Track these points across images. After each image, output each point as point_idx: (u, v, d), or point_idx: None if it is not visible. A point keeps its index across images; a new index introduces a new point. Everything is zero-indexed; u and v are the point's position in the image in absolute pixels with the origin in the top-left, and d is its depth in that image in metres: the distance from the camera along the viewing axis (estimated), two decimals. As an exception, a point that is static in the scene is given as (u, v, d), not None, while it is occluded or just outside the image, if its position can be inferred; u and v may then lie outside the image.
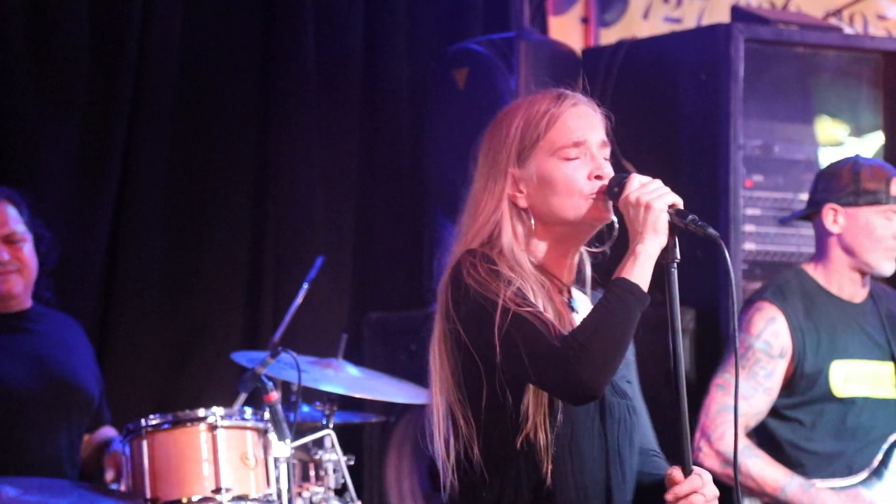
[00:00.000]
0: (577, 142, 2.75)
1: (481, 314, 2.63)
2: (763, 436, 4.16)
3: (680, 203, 2.70)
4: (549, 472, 2.66)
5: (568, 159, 2.74)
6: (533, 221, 2.75)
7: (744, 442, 4.11)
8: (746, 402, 4.14)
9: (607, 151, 2.81)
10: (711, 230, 2.69)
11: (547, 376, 2.59)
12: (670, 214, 2.68)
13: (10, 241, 4.30)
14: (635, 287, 2.63)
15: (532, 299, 2.65)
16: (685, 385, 2.75)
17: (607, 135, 2.84)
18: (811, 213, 4.42)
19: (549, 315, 2.65)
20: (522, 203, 2.75)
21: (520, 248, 2.73)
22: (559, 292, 2.76)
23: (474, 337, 2.65)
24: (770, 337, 4.17)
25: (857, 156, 4.48)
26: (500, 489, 2.69)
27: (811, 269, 4.35)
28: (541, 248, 2.77)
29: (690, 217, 2.70)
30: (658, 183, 2.70)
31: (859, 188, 4.30)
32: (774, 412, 4.22)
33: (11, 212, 4.33)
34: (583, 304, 2.83)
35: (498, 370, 2.63)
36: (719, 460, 4.11)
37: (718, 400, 4.15)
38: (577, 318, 2.75)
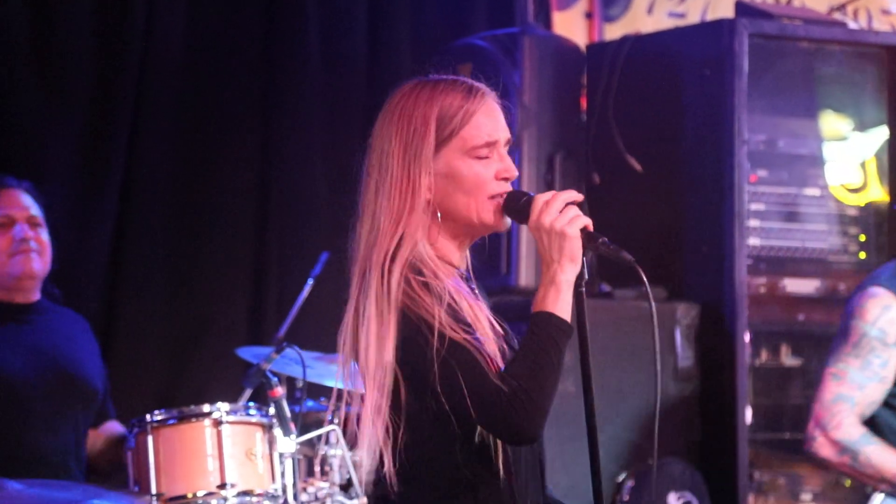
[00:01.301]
0: (490, 142, 2.73)
1: (417, 338, 2.60)
2: (871, 425, 4.12)
3: (590, 224, 2.68)
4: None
5: (479, 158, 2.73)
6: (439, 215, 2.73)
7: (861, 430, 4.07)
8: (861, 391, 4.09)
9: (508, 146, 2.80)
10: (625, 254, 2.66)
11: (489, 421, 2.58)
12: (582, 238, 2.65)
13: (32, 223, 4.33)
14: (562, 322, 2.61)
15: (459, 306, 2.61)
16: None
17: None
18: None
19: (469, 315, 2.62)
20: (428, 195, 2.73)
21: (430, 244, 2.71)
22: (462, 279, 2.74)
23: (410, 360, 2.62)
24: (886, 325, 4.10)
25: None
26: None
27: None
28: (440, 240, 2.75)
29: (602, 240, 2.67)
30: (565, 201, 2.68)
31: None
32: (884, 402, 4.16)
33: (31, 199, 4.36)
34: (478, 287, 2.82)
35: (436, 395, 2.60)
36: (835, 449, 4.07)
37: (832, 389, 4.10)
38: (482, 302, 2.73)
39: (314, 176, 5.69)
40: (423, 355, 2.58)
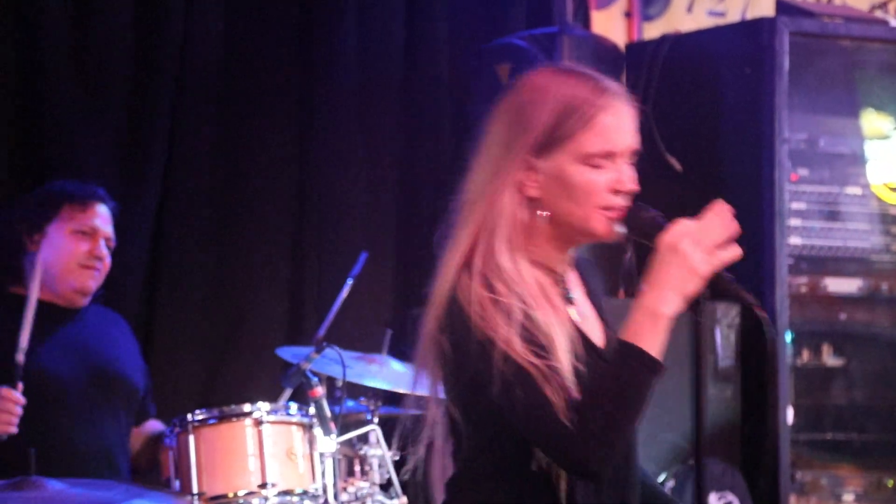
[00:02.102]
0: (609, 151, 2.51)
1: (483, 358, 2.42)
2: None
3: (731, 259, 2.45)
4: (565, 493, 2.49)
5: (594, 167, 2.50)
6: (544, 214, 2.54)
7: None
8: None
9: (634, 157, 2.57)
10: (747, 296, 2.48)
11: (552, 453, 2.42)
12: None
13: (108, 244, 4.37)
14: (654, 363, 2.39)
15: (536, 324, 2.43)
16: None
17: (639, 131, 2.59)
18: None
19: (550, 320, 2.45)
20: (534, 193, 2.53)
21: (518, 247, 2.52)
22: (555, 284, 2.56)
23: (475, 377, 2.46)
24: None
25: None
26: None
27: None
28: (541, 241, 2.55)
29: (729, 277, 2.46)
30: (719, 234, 2.45)
31: None
32: None
33: (112, 219, 4.40)
34: (575, 287, 2.64)
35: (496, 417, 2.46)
36: None
37: None
38: (574, 309, 2.58)
39: (353, 176, 5.70)
40: (486, 378, 2.42)
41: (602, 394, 2.37)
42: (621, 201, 2.52)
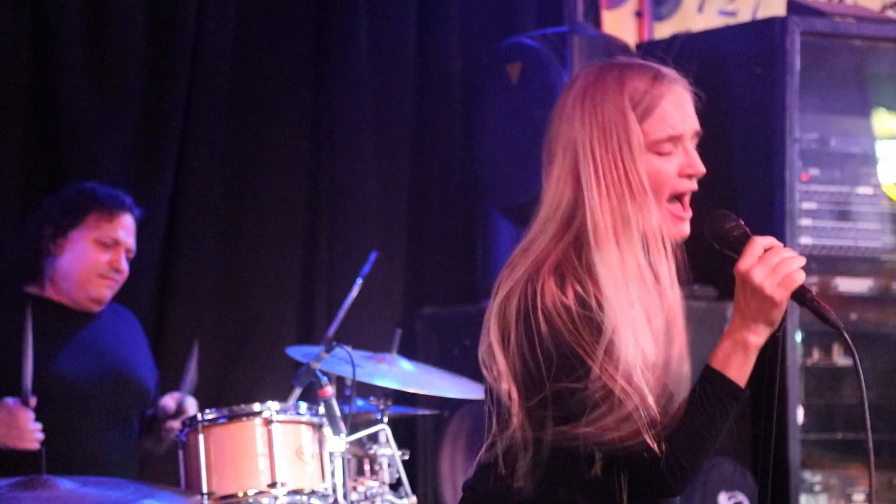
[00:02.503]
0: (674, 135, 2.50)
1: (568, 372, 2.37)
2: None
3: (803, 279, 2.41)
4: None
5: (661, 154, 2.49)
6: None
7: None
8: None
9: (697, 139, 2.57)
10: (832, 316, 2.44)
11: (636, 475, 2.42)
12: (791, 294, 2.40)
13: (129, 255, 4.38)
14: (739, 391, 2.41)
15: (625, 340, 2.36)
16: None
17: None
18: None
19: (654, 324, 2.39)
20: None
21: (614, 255, 2.43)
22: (672, 257, 2.47)
23: (555, 390, 2.40)
24: None
25: None
26: None
27: None
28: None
29: (810, 296, 2.42)
30: (781, 257, 2.40)
31: None
32: None
33: (134, 227, 4.40)
34: None
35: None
36: None
37: None
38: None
39: (364, 175, 5.70)
40: (568, 392, 2.38)
41: (686, 421, 2.39)
42: (693, 185, 2.52)
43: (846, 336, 2.46)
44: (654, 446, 2.37)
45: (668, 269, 2.47)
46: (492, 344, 2.46)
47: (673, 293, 2.46)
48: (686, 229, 2.52)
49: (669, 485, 2.40)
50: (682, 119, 2.53)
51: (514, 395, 2.44)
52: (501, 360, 2.45)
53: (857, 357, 2.49)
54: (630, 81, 2.51)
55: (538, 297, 2.40)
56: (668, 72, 2.57)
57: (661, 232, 2.47)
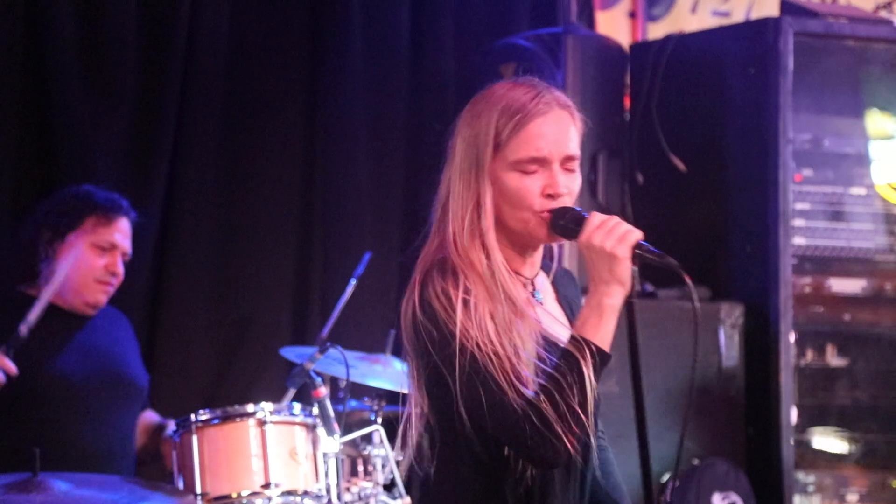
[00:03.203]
0: (537, 157, 2.63)
1: (444, 348, 2.56)
2: None
3: (641, 238, 2.58)
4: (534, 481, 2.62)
5: (525, 173, 2.63)
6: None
7: None
8: None
9: (574, 163, 2.68)
10: (670, 260, 2.56)
11: (505, 439, 2.55)
12: (632, 253, 2.56)
13: (125, 258, 4.38)
14: (599, 351, 2.54)
15: (497, 314, 2.58)
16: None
17: (582, 137, 2.70)
18: None
19: (512, 317, 2.58)
20: (487, 202, 2.68)
21: (488, 250, 2.64)
22: (523, 286, 2.70)
23: (438, 368, 2.58)
24: None
25: None
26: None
27: None
28: (503, 246, 2.68)
29: (647, 249, 2.57)
30: (617, 221, 2.58)
31: None
32: None
33: (130, 231, 4.40)
34: (546, 292, 2.77)
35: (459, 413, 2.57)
36: None
37: None
38: (543, 311, 2.69)
39: (357, 177, 5.70)
40: (449, 369, 2.55)
41: (549, 382, 2.52)
42: (556, 205, 2.64)
43: (686, 278, 2.58)
44: (522, 409, 2.49)
45: (503, 271, 2.63)
46: (405, 339, 2.67)
47: (511, 290, 2.62)
48: (547, 235, 2.66)
49: (540, 444, 2.49)
50: (551, 142, 2.64)
51: (413, 382, 2.66)
52: (407, 352, 2.67)
53: (696, 302, 2.69)
54: (509, 98, 2.66)
55: (422, 289, 2.64)
56: (554, 95, 2.69)
57: (517, 237, 2.67)
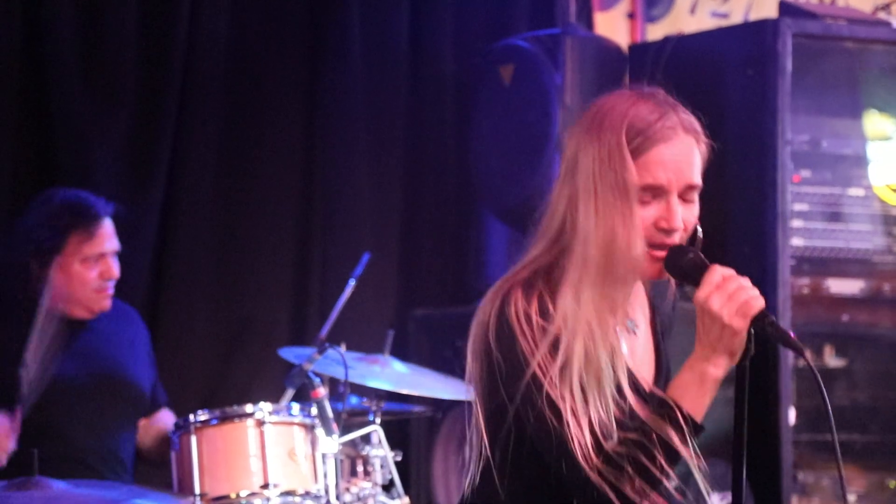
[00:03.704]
0: (654, 186, 2.42)
1: (516, 376, 2.36)
2: None
3: (762, 305, 2.36)
4: None
5: (640, 202, 2.42)
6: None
7: None
8: None
9: (694, 194, 2.49)
10: (792, 339, 2.38)
11: (569, 491, 2.38)
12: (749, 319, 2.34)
13: (115, 254, 4.36)
14: (691, 421, 2.36)
15: (579, 350, 2.35)
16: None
17: (706, 163, 2.49)
18: None
19: (598, 353, 2.36)
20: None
21: (585, 280, 2.40)
22: (616, 317, 2.46)
23: (505, 396, 2.40)
24: None
25: None
26: None
27: None
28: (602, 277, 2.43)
29: (770, 321, 2.36)
30: (738, 285, 2.36)
31: None
32: None
33: (113, 227, 4.38)
34: (640, 314, 2.58)
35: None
36: None
37: None
38: (635, 341, 2.52)
39: (357, 177, 5.71)
40: (513, 397, 2.37)
41: (632, 443, 2.35)
42: (669, 239, 2.45)
43: (808, 361, 2.42)
44: (588, 462, 2.32)
45: (622, 304, 2.45)
46: (467, 351, 2.47)
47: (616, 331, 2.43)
48: (659, 273, 2.47)
49: (594, 493, 2.32)
50: (673, 171, 2.44)
51: (477, 402, 2.47)
52: (471, 367, 2.47)
53: (822, 386, 2.48)
54: (634, 114, 2.44)
55: (503, 305, 2.40)
56: (681, 117, 2.49)
57: (621, 269, 2.43)
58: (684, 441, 2.35)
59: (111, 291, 4.35)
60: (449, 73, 5.96)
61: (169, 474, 4.25)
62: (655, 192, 2.43)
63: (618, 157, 2.40)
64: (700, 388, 2.37)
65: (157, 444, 4.43)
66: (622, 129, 2.41)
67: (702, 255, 2.44)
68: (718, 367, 2.36)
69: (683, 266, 2.44)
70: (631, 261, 2.41)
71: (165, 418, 4.49)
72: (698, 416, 2.37)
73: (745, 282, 2.39)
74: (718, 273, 2.38)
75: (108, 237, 4.33)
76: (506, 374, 2.39)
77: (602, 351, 2.38)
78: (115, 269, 4.34)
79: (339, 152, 5.67)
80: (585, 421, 2.33)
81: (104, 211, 4.34)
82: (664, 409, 2.35)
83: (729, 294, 2.35)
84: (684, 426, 2.34)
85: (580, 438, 2.32)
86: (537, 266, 2.45)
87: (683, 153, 2.45)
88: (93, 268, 4.30)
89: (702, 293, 2.36)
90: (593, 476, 2.31)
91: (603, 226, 2.40)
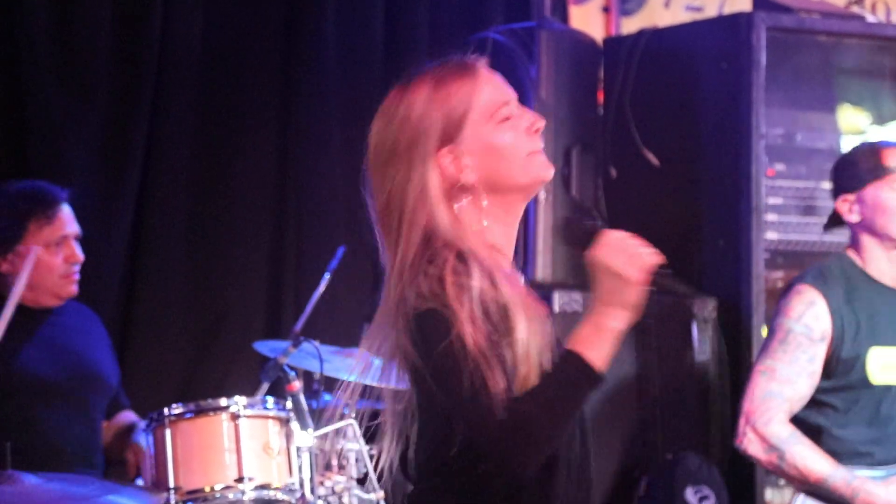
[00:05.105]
0: (506, 101, 2.59)
1: (439, 332, 2.41)
2: (795, 421, 4.11)
3: (656, 260, 2.44)
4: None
5: (504, 119, 2.56)
6: (484, 197, 2.53)
7: (790, 429, 4.04)
8: (791, 386, 4.06)
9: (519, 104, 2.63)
10: (681, 287, 2.48)
11: (478, 443, 2.38)
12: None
13: (77, 238, 4.35)
14: (593, 372, 2.38)
15: (493, 307, 2.39)
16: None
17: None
18: (834, 212, 4.32)
19: (517, 308, 2.41)
20: (471, 178, 2.53)
21: (475, 237, 2.49)
22: (513, 268, 2.54)
23: (419, 360, 2.48)
24: (810, 320, 4.08)
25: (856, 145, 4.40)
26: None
27: (853, 254, 4.28)
28: (490, 223, 2.54)
29: (665, 273, 2.45)
30: (636, 242, 2.44)
31: (857, 171, 4.22)
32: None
33: (72, 211, 4.37)
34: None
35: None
36: (764, 446, 4.04)
37: (762, 385, 4.07)
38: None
39: (331, 171, 5.70)
40: (437, 356, 2.41)
41: (536, 394, 2.37)
42: (540, 142, 2.57)
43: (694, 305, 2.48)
44: (500, 414, 2.33)
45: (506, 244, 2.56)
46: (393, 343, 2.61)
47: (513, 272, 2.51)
48: (550, 171, 2.57)
49: (508, 453, 2.34)
50: (503, 87, 2.63)
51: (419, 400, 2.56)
52: (399, 352, 2.59)
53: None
54: (445, 82, 2.71)
55: (416, 287, 2.50)
56: (471, 57, 2.73)
57: (515, 194, 2.56)
58: (584, 389, 2.39)
59: (77, 276, 4.34)
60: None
61: (125, 470, 4.25)
62: (508, 105, 2.59)
63: (449, 122, 2.61)
64: (598, 338, 2.40)
65: (112, 443, 4.43)
66: (440, 96, 2.69)
67: (594, 221, 2.59)
68: (617, 320, 2.41)
69: (577, 232, 2.55)
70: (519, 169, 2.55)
71: (128, 418, 4.49)
72: (598, 367, 2.39)
73: (636, 240, 2.46)
74: (611, 234, 2.45)
75: (67, 221, 4.33)
76: (431, 336, 2.43)
77: (518, 303, 2.43)
78: (79, 252, 4.33)
79: (314, 146, 5.67)
80: (501, 373, 2.36)
81: (61, 196, 4.34)
82: (568, 356, 2.40)
83: (621, 248, 2.43)
84: (583, 374, 2.38)
85: (496, 391, 2.34)
86: (410, 259, 2.56)
87: (493, 76, 2.67)
88: (56, 253, 4.29)
89: (595, 250, 2.43)
90: (507, 418, 2.33)
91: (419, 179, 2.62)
